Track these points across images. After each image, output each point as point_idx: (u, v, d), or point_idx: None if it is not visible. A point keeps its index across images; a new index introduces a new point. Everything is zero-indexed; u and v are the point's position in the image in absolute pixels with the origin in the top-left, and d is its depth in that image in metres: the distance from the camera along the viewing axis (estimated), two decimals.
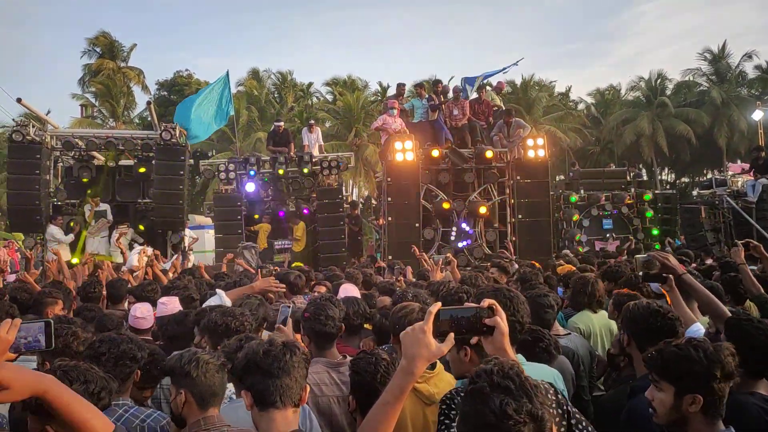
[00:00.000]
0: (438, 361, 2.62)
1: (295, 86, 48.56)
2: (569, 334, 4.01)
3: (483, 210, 12.00)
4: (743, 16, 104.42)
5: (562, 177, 28.52)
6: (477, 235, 12.45)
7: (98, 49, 40.85)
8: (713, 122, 40.08)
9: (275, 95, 48.86)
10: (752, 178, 14.33)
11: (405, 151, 11.93)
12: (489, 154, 12.23)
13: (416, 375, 1.58)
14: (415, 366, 1.56)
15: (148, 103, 21.24)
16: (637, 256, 3.65)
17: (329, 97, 48.31)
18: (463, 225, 12.18)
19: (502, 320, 1.63)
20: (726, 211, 13.90)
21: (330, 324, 2.94)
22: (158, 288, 5.30)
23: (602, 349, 4.26)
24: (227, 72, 14.73)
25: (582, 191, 16.72)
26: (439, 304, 1.64)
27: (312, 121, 16.97)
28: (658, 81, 45.22)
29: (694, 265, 7.64)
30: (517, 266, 7.25)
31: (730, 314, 2.76)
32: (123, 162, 13.20)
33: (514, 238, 12.03)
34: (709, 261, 7.72)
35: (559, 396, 1.92)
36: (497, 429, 1.21)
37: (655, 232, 16.11)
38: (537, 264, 7.65)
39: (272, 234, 14.17)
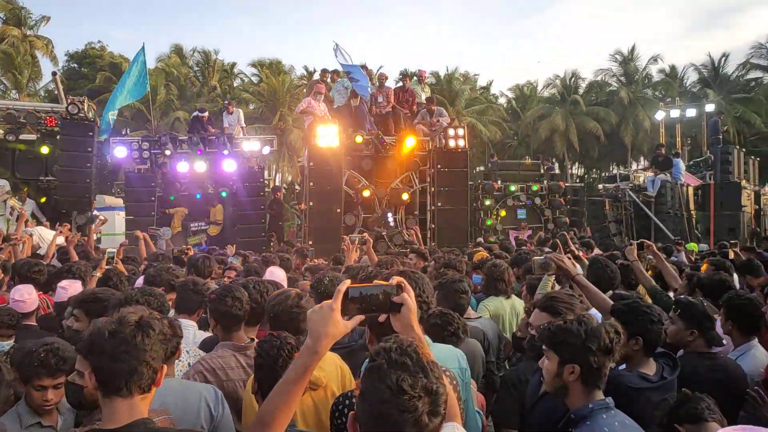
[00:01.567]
0: None
1: (220, 66, 46.82)
2: (480, 317, 4.16)
3: (404, 197, 12.15)
4: (652, 22, 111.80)
5: (482, 168, 29.47)
6: (398, 222, 12.61)
7: (1, 15, 37.35)
8: (620, 121, 42.71)
9: (198, 74, 46.91)
10: (652, 174, 15.44)
11: (328, 136, 11.83)
12: (412, 141, 12.36)
13: (321, 354, 1.56)
14: (321, 344, 1.54)
15: (54, 73, 19.75)
16: (535, 258, 3.81)
17: (254, 79, 46.99)
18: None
19: (410, 297, 1.64)
20: (628, 204, 14.89)
21: (237, 306, 2.87)
22: (44, 269, 4.93)
23: (510, 331, 4.46)
24: (143, 46, 14.17)
25: (499, 182, 17.35)
26: (349, 281, 1.63)
27: (228, 101, 16.36)
28: (572, 80, 47.53)
29: (599, 252, 8.15)
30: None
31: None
32: (25, 136, 12.22)
33: (432, 226, 12.29)
34: (596, 251, 8.18)
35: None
36: (393, 405, 1.23)
37: (565, 223, 16.99)
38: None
39: (189, 217, 13.66)
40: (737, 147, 17.89)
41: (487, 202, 16.82)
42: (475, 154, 42.77)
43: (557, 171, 23.44)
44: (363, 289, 1.64)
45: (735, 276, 5.44)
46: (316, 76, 17.35)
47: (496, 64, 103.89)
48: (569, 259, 3.88)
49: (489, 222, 16.74)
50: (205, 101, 38.78)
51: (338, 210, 11.90)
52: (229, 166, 13.03)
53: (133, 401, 1.69)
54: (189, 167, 13.12)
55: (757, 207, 16.91)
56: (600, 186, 17.91)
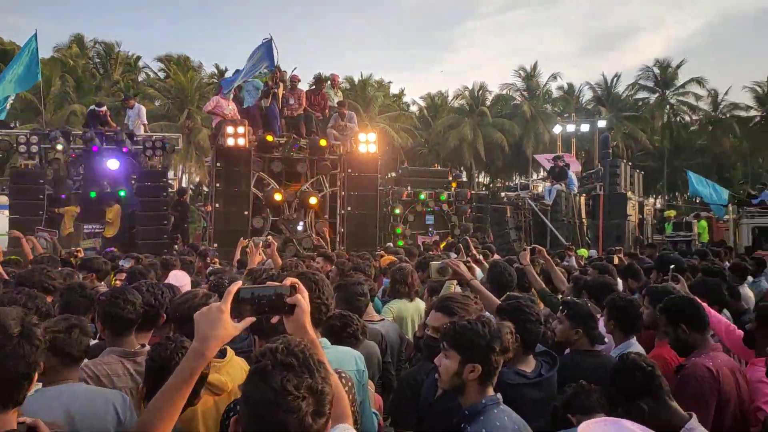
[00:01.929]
0: (228, 348, 2.58)
1: (123, 59, 44.24)
2: (383, 320, 4.22)
3: (313, 201, 12.07)
4: (553, 41, 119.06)
5: (394, 174, 29.95)
6: (307, 225, 12.51)
7: None
8: (523, 133, 45.11)
9: (98, 66, 44.03)
10: (549, 184, 16.44)
11: (237, 136, 11.53)
12: (323, 143, 12.32)
13: (208, 357, 1.51)
14: (208, 347, 1.49)
15: None
16: (432, 263, 3.94)
17: (161, 75, 44.85)
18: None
19: (303, 299, 1.63)
20: (527, 212, 15.72)
21: (129, 309, 2.72)
22: None
23: (412, 333, 4.56)
24: (35, 32, 13.15)
25: (409, 188, 17.71)
26: (240, 282, 1.60)
27: (128, 95, 15.51)
28: (480, 92, 49.61)
29: (497, 257, 8.53)
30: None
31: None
32: None
33: (342, 230, 12.31)
34: (495, 256, 8.55)
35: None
36: (276, 406, 1.22)
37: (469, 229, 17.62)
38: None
39: (83, 218, 12.75)
40: (624, 161, 19.43)
41: (397, 211, 17.09)
42: (387, 160, 43.42)
43: (464, 179, 24.38)
44: (255, 290, 1.62)
45: (619, 280, 5.91)
46: (228, 75, 16.80)
47: (408, 73, 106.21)
48: (468, 263, 4.06)
49: (398, 231, 16.99)
50: (105, 95, 36.49)
51: (246, 212, 11.62)
52: (129, 164, 12.34)
53: (7, 416, 1.53)
54: (84, 164, 12.26)
55: (641, 216, 18.49)
56: (503, 194, 18.85)
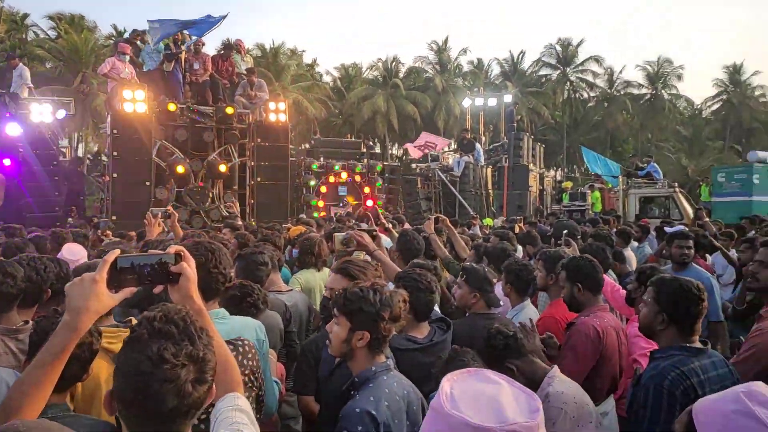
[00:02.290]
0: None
1: (7, 16, 39.86)
2: (291, 290, 4.20)
3: (223, 169, 11.66)
4: (465, 16, 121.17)
5: (308, 145, 29.54)
6: (215, 196, 12.11)
7: None
8: (435, 106, 45.90)
9: None
10: (458, 156, 16.92)
11: (135, 102, 10.85)
12: (230, 111, 11.87)
13: (81, 330, 1.42)
14: (80, 320, 1.40)
15: None
16: (336, 234, 3.97)
17: (51, 34, 40.98)
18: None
19: (189, 267, 1.57)
20: (437, 183, 16.12)
21: (8, 283, 2.52)
22: None
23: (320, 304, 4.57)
24: None
25: (322, 159, 17.57)
26: (118, 251, 1.52)
27: (11, 54, 14.09)
28: (393, 64, 49.71)
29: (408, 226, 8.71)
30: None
31: None
32: None
33: (252, 201, 12.04)
34: (406, 225, 8.74)
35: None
36: (151, 377, 1.17)
37: (382, 200, 17.83)
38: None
39: None
40: (527, 134, 20.36)
41: (312, 183, 16.93)
42: (301, 131, 42.76)
43: (378, 150, 24.61)
44: (135, 258, 1.54)
45: (519, 246, 6.24)
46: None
47: (322, 42, 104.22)
48: (375, 232, 4.11)
49: (314, 202, 16.87)
50: None
51: (147, 183, 11.05)
52: (13, 129, 11.27)
53: None
54: None
55: (541, 187, 19.56)
56: (414, 166, 19.18)
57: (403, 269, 3.37)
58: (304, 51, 50.83)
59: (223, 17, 11.83)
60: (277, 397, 2.63)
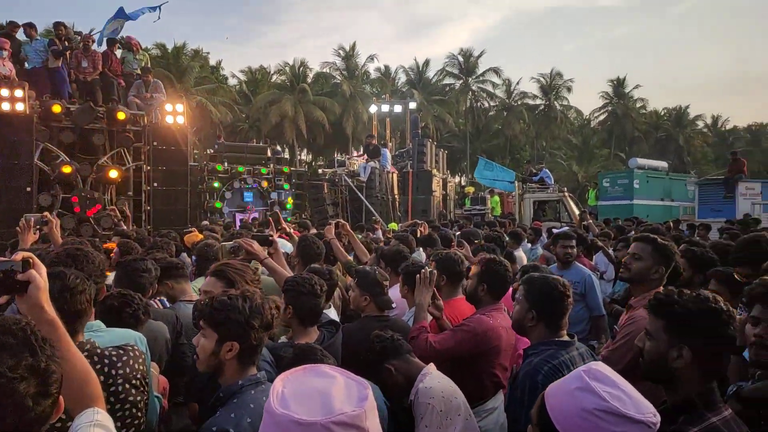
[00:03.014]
0: None
1: None
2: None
3: (114, 175, 10.97)
4: (371, 24, 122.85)
5: (212, 150, 28.56)
6: (107, 203, 11.36)
7: None
8: (343, 112, 46.07)
9: None
10: (364, 162, 17.08)
11: (15, 101, 9.98)
12: (122, 115, 11.21)
13: None
14: None
15: None
16: (224, 243, 3.86)
17: None
18: None
19: (39, 275, 1.46)
20: (344, 188, 16.17)
21: None
22: None
23: None
24: None
25: (226, 164, 17.07)
26: None
27: None
28: (301, 69, 49.38)
29: (314, 231, 8.68)
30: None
31: None
32: None
33: (148, 207, 11.43)
34: (313, 230, 8.75)
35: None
36: None
37: (288, 206, 17.60)
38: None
39: None
40: (431, 140, 20.99)
41: (216, 185, 16.40)
42: (206, 135, 41.27)
43: (285, 155, 24.29)
44: None
45: (421, 249, 6.39)
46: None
47: (228, 44, 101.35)
48: (270, 238, 4.03)
49: (218, 204, 16.35)
50: None
51: (28, 189, 10.17)
52: None
53: None
54: None
55: (444, 192, 20.20)
56: (320, 171, 19.07)
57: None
58: (208, 53, 49.19)
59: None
60: (159, 412, 2.50)
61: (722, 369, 1.83)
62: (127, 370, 2.08)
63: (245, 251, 3.56)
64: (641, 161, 21.72)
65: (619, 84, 56.69)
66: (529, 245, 8.87)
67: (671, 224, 11.50)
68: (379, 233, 8.18)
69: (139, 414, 2.13)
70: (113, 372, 2.03)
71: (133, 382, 2.10)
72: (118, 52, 12.97)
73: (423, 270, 3.32)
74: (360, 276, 3.42)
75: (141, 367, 2.18)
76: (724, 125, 65.72)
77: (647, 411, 1.35)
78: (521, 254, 7.14)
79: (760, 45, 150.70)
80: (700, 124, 62.82)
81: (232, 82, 50.57)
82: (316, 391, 1.09)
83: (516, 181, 19.15)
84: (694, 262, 3.71)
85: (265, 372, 2.07)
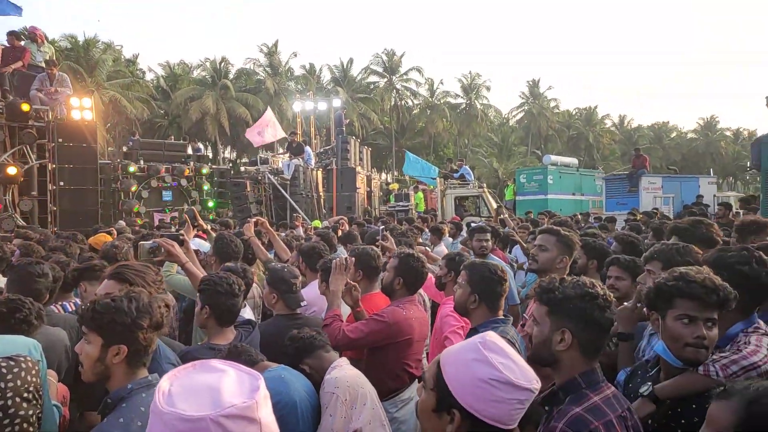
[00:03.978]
0: None
1: None
2: None
3: (12, 172, 10.21)
4: (293, 18, 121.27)
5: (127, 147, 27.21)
6: (8, 203, 10.59)
7: None
8: (267, 109, 45.16)
9: None
10: (288, 159, 16.88)
11: None
12: (26, 107, 10.45)
13: None
14: None
15: None
16: (142, 242, 3.68)
17: None
18: None
19: None
20: (267, 186, 15.91)
21: None
22: None
23: None
24: None
25: (142, 162, 16.34)
26: None
27: None
28: (222, 64, 48.00)
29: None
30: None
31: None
32: None
33: (54, 208, 10.75)
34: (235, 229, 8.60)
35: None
36: None
37: (211, 204, 17.11)
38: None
39: None
40: (354, 138, 21.07)
41: (134, 188, 15.66)
42: (121, 131, 39.26)
43: (205, 153, 23.53)
44: None
45: (342, 247, 6.42)
46: None
47: (145, 38, 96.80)
48: (183, 237, 3.91)
49: (137, 209, 15.61)
50: None
51: None
52: None
53: None
54: None
55: (369, 189, 20.34)
56: (242, 169, 18.64)
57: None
58: (122, 46, 46.71)
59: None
60: (58, 421, 2.38)
61: (601, 350, 1.92)
62: (18, 382, 1.95)
63: (166, 252, 3.44)
64: (554, 158, 22.83)
65: (534, 84, 59.30)
66: (450, 239, 9.13)
67: (579, 217, 12.15)
68: (300, 230, 8.13)
69: (31, 429, 2.02)
70: (2, 385, 1.91)
71: (25, 395, 1.98)
72: (22, 44, 12.10)
73: (338, 258, 3.36)
74: (270, 273, 3.41)
75: (34, 379, 2.06)
76: (629, 124, 70.40)
77: (532, 379, 1.47)
78: (443, 248, 7.33)
79: (663, 50, 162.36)
80: (608, 123, 66.95)
81: (150, 76, 48.39)
82: (205, 386, 1.07)
83: (438, 178, 19.61)
84: (588, 251, 3.95)
85: (158, 374, 1.97)
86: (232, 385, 1.09)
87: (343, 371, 2.50)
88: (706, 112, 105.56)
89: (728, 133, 71.70)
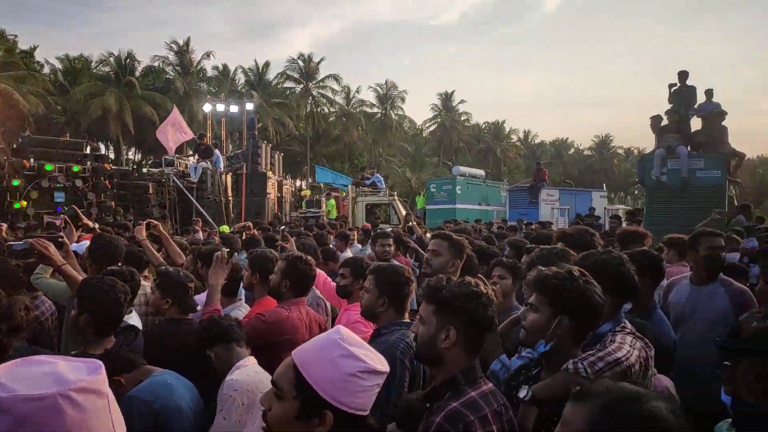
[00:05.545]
0: None
1: None
2: None
3: None
4: (208, 20, 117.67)
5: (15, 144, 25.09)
6: None
7: None
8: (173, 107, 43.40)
9: None
10: (195, 161, 16.30)
11: None
12: None
13: None
14: None
15: None
16: (11, 243, 3.42)
17: None
18: None
19: None
20: (172, 189, 15.24)
21: None
22: None
23: None
24: None
25: (32, 160, 15.14)
26: None
27: None
28: (128, 61, 45.61)
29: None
30: None
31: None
32: None
33: None
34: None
35: None
36: None
37: (110, 207, 16.11)
38: None
39: None
40: (266, 142, 20.76)
41: (15, 183, 14.45)
42: (12, 127, 36.15)
43: (109, 153, 22.19)
44: None
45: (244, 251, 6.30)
46: None
47: (41, 29, 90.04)
48: (62, 239, 3.66)
49: (17, 205, 14.42)
50: None
51: None
52: None
53: None
54: None
55: (280, 194, 20.10)
56: (145, 170, 17.76)
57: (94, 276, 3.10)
58: (15, 36, 43.09)
59: None
60: None
61: (481, 347, 2.03)
62: None
63: (39, 254, 3.19)
64: (463, 169, 23.74)
65: (447, 98, 61.26)
66: (359, 246, 9.19)
67: (482, 226, 12.68)
68: (200, 234, 7.88)
69: None
70: None
71: None
72: None
73: (219, 251, 3.32)
74: (161, 278, 3.28)
75: None
76: (533, 140, 74.51)
77: (385, 363, 1.53)
78: (348, 254, 7.37)
79: (566, 71, 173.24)
80: (514, 137, 70.47)
81: (47, 70, 44.95)
82: (40, 372, 0.98)
83: (350, 185, 19.76)
84: (479, 255, 4.17)
85: None
86: (70, 367, 1.00)
87: (244, 374, 2.46)
88: (602, 131, 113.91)
89: (620, 151, 77.69)
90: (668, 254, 4.96)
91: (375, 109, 55.84)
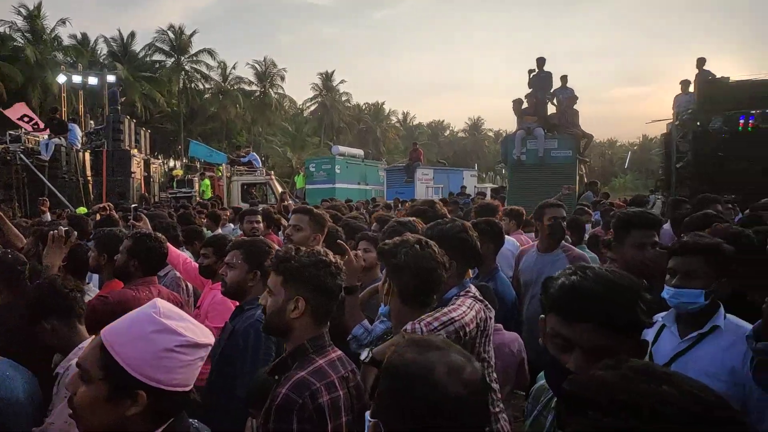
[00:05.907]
0: None
1: None
2: None
3: None
4: None
5: None
6: None
7: None
8: (27, 80, 38.95)
9: None
10: (46, 138, 14.74)
11: None
12: None
13: None
14: None
15: None
16: None
17: None
18: None
19: None
20: (20, 168, 13.71)
21: None
22: None
23: None
24: None
25: None
26: None
27: None
28: None
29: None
30: None
31: None
32: None
33: None
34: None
35: None
36: None
37: None
38: None
39: None
40: (129, 118, 19.29)
41: None
42: None
43: None
44: None
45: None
46: None
47: None
48: None
49: None
50: None
51: None
52: None
53: None
54: None
55: (147, 174, 18.85)
56: None
57: None
58: None
59: None
60: None
61: (330, 315, 2.06)
62: None
63: None
64: (342, 149, 23.82)
65: (327, 78, 60.86)
66: (231, 225, 8.94)
67: (360, 204, 12.89)
68: (48, 216, 7.19)
69: None
70: None
71: None
72: None
73: (56, 230, 3.11)
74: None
75: None
76: (411, 121, 76.69)
77: (208, 333, 1.46)
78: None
79: (443, 56, 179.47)
80: (394, 119, 72.06)
81: None
82: None
83: (225, 164, 19.09)
84: (347, 230, 4.26)
85: None
86: None
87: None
88: (475, 114, 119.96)
89: (491, 134, 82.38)
90: (508, 223, 5.54)
91: (254, 87, 53.96)
